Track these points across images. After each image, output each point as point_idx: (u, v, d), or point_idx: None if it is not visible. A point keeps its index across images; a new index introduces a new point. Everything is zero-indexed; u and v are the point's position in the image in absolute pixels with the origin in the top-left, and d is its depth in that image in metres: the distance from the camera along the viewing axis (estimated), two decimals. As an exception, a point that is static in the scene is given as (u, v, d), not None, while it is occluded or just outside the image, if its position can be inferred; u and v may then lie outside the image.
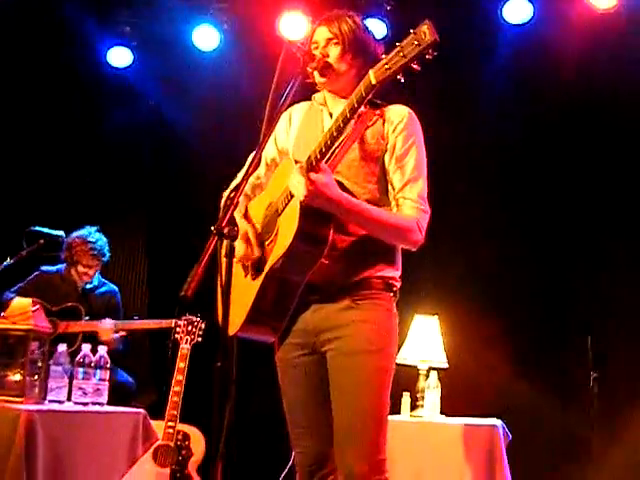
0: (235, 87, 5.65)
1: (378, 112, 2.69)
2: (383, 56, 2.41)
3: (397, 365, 2.73)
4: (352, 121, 2.53)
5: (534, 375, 5.31)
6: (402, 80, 2.37)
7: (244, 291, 2.65)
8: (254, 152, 2.47)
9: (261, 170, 2.89)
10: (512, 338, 5.35)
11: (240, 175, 2.75)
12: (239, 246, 2.66)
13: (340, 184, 2.58)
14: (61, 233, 4.69)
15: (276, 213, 2.65)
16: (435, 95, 5.15)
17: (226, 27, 5.82)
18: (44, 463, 3.11)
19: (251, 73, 5.28)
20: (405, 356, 4.63)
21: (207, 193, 3.29)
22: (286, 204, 2.60)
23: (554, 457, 5.21)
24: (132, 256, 6.40)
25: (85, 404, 3.50)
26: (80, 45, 5.94)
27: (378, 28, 5.36)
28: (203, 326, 4.75)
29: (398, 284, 2.73)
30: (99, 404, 3.55)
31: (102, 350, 3.62)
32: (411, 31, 2.30)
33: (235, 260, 2.48)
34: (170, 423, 4.49)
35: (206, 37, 5.84)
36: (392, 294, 2.70)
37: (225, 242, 2.24)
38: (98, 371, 3.56)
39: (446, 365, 4.73)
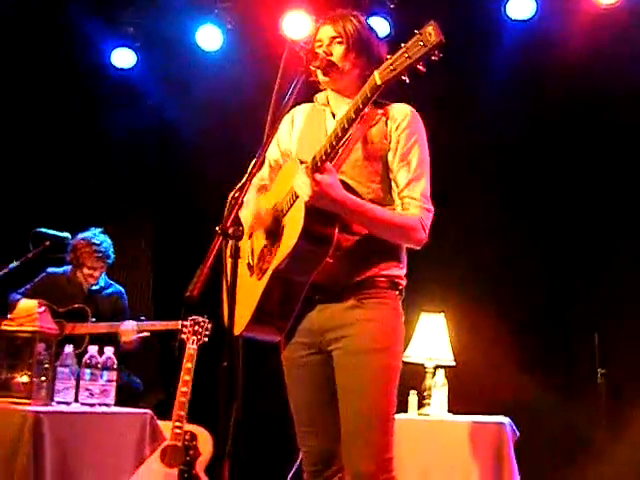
0: (239, 87, 5.64)
1: (381, 111, 2.69)
2: (388, 56, 2.40)
3: (404, 363, 2.73)
4: (357, 121, 2.53)
5: (541, 372, 5.30)
6: (407, 81, 2.37)
7: (249, 291, 2.66)
8: (258, 152, 2.47)
9: (264, 171, 2.88)
10: (519, 336, 5.34)
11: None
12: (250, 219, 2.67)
13: (345, 184, 2.58)
14: (67, 235, 4.70)
15: (281, 213, 2.65)
16: (437, 93, 5.13)
17: (229, 27, 5.82)
18: (51, 464, 3.12)
19: (255, 73, 5.27)
20: (412, 354, 4.63)
21: (211, 193, 3.30)
22: (291, 205, 2.60)
23: (561, 454, 5.20)
24: (137, 257, 6.40)
25: (92, 405, 3.51)
26: (83, 46, 5.94)
27: (381, 26, 5.35)
28: (210, 326, 4.76)
29: (404, 282, 2.72)
30: (106, 405, 3.56)
31: (109, 351, 3.63)
32: (416, 32, 2.29)
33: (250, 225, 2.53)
34: (177, 423, 4.49)
35: (209, 37, 5.84)
36: (398, 292, 2.70)
37: (230, 242, 2.24)
38: (105, 372, 3.57)
39: (453, 363, 4.73)
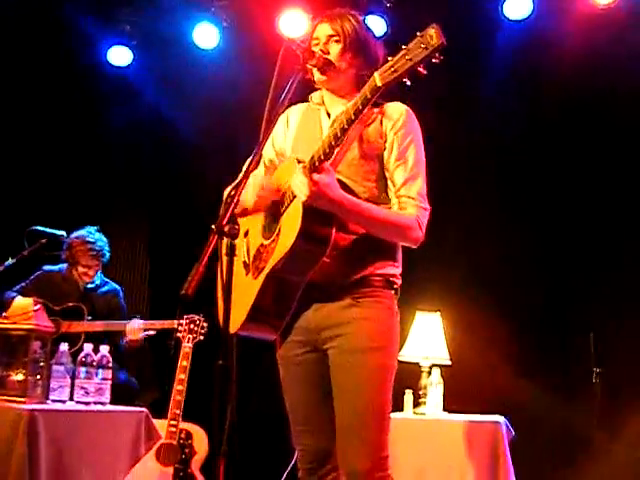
0: (235, 85, 5.64)
1: (376, 110, 2.68)
2: (389, 58, 2.39)
3: (399, 362, 2.73)
4: (356, 122, 2.52)
5: (537, 372, 5.30)
6: (408, 83, 2.36)
7: (245, 290, 2.65)
8: (254, 151, 2.46)
9: (260, 171, 2.88)
10: (515, 335, 5.34)
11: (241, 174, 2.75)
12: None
13: (341, 183, 2.58)
14: (62, 233, 4.69)
15: (278, 213, 2.65)
16: (435, 93, 5.13)
17: (226, 25, 5.82)
18: (46, 463, 3.12)
19: (251, 71, 5.27)
20: (407, 353, 4.63)
21: (208, 191, 3.29)
22: (288, 204, 2.59)
23: (557, 453, 5.21)
24: (133, 255, 6.40)
25: (87, 403, 3.50)
26: (80, 44, 5.94)
27: (378, 25, 5.35)
28: (205, 325, 4.76)
29: (399, 281, 2.73)
30: (101, 403, 3.55)
31: (104, 349, 3.63)
32: (417, 34, 2.29)
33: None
34: (173, 422, 4.49)
35: (206, 35, 5.83)
36: (393, 291, 2.70)
37: (225, 240, 2.24)
38: (100, 370, 3.56)
39: (449, 362, 4.73)
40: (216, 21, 5.81)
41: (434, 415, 4.55)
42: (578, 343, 5.13)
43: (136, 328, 4.99)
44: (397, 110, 2.71)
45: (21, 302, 3.64)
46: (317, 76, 2.72)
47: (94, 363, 3.55)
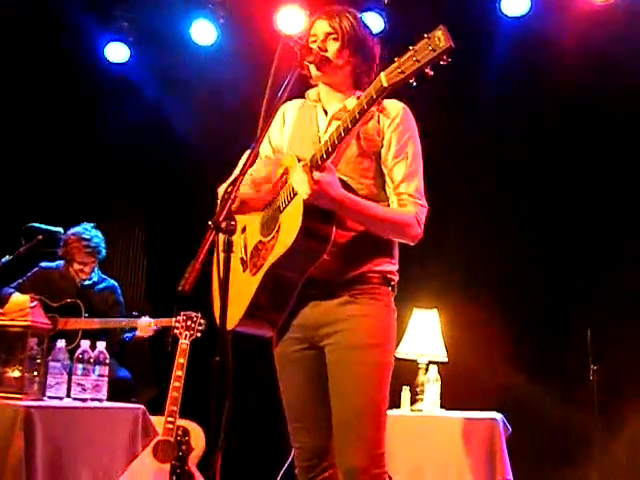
0: (233, 81, 5.64)
1: (374, 108, 2.67)
2: (395, 59, 2.37)
3: (396, 359, 2.73)
4: (360, 122, 2.51)
5: (534, 368, 5.31)
6: (414, 84, 2.36)
7: (243, 286, 2.65)
8: (251, 147, 2.45)
9: (257, 167, 2.87)
10: (512, 331, 5.35)
11: (237, 170, 2.74)
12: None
13: (341, 181, 2.58)
14: (59, 229, 4.70)
15: (278, 210, 2.65)
16: (433, 91, 5.12)
17: (223, 22, 5.81)
18: (43, 459, 3.11)
19: (249, 67, 5.26)
20: (405, 350, 4.63)
21: (205, 189, 3.28)
22: (289, 201, 2.59)
23: (554, 450, 5.22)
24: (131, 253, 6.39)
25: (84, 400, 3.50)
26: (77, 41, 5.93)
27: (375, 22, 5.34)
28: (203, 322, 4.76)
29: (396, 278, 2.72)
30: (98, 400, 3.55)
31: (101, 346, 3.62)
32: (425, 35, 2.28)
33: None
34: (170, 418, 4.49)
35: (203, 32, 5.83)
36: (390, 288, 2.70)
37: (222, 237, 2.23)
38: (97, 367, 3.56)
39: (446, 359, 4.74)
40: (213, 17, 5.81)
41: (431, 412, 4.56)
42: (574, 339, 5.14)
43: (146, 325, 5.05)
44: (394, 107, 2.71)
45: (18, 299, 3.64)
46: (314, 72, 2.71)
47: (91, 360, 3.55)
